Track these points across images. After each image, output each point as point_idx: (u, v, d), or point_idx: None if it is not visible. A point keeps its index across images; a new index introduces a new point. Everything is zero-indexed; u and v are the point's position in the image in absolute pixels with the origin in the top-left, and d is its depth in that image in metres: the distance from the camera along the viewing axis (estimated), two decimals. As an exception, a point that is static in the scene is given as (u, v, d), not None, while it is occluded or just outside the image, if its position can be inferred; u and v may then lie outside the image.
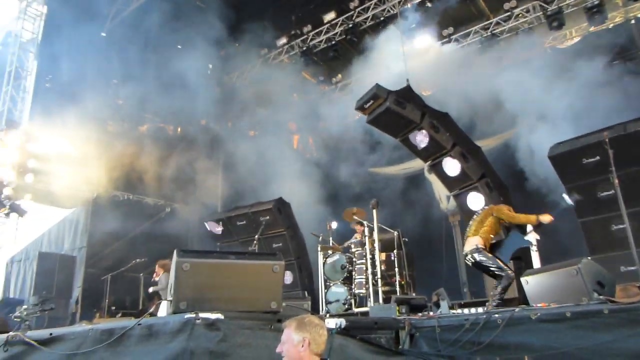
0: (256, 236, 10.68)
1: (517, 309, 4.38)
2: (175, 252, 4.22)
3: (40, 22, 13.09)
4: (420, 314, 5.84)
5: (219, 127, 16.73)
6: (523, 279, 5.76)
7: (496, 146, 12.31)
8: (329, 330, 3.64)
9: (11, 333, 5.02)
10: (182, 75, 14.35)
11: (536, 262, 8.19)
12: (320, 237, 10.26)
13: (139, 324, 4.04)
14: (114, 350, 4.08)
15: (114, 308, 11.84)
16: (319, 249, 9.84)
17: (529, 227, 7.86)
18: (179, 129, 15.48)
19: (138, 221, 13.86)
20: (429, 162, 10.44)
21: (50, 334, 4.61)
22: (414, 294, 9.01)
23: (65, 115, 12.20)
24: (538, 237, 7.86)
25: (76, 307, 12.47)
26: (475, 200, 9.97)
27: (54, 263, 12.33)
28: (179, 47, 14.06)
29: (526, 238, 7.98)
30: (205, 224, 12.90)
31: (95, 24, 13.67)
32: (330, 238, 10.37)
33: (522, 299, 6.91)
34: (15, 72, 12.67)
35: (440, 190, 13.19)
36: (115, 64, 13.61)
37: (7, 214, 12.02)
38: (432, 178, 12.49)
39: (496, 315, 4.17)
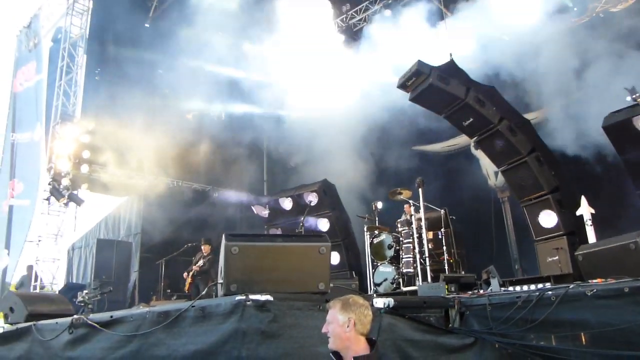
0: (302, 218, 10.77)
1: (571, 285, 4.25)
2: (223, 235, 4.32)
3: (87, 17, 13.50)
4: (469, 292, 5.77)
5: (262, 111, 16.84)
6: (577, 255, 5.59)
7: (546, 119, 11.83)
8: (378, 309, 3.66)
9: (75, 316, 5.32)
10: (224, 62, 14.51)
11: (591, 237, 7.86)
12: (366, 218, 10.24)
13: (192, 306, 4.18)
14: (170, 331, 4.26)
15: (169, 291, 12.31)
16: (365, 229, 9.83)
17: (583, 201, 7.59)
18: (223, 115, 15.70)
19: (188, 206, 14.26)
20: (476, 137, 10.19)
21: (111, 316, 4.86)
22: (463, 272, 8.91)
23: (115, 106, 12.64)
24: (593, 211, 7.57)
25: (134, 290, 13.04)
26: (525, 175, 9.67)
27: (112, 249, 12.93)
28: (220, 33, 14.18)
29: (579, 212, 7.71)
30: (252, 207, 13.13)
31: (139, 16, 14.00)
32: (376, 218, 10.34)
33: (577, 275, 6.72)
34: (66, 67, 13.18)
35: (487, 166, 12.86)
36: (159, 54, 13.91)
37: (66, 204, 12.61)
38: (479, 154, 12.16)
39: (550, 292, 4.07)
